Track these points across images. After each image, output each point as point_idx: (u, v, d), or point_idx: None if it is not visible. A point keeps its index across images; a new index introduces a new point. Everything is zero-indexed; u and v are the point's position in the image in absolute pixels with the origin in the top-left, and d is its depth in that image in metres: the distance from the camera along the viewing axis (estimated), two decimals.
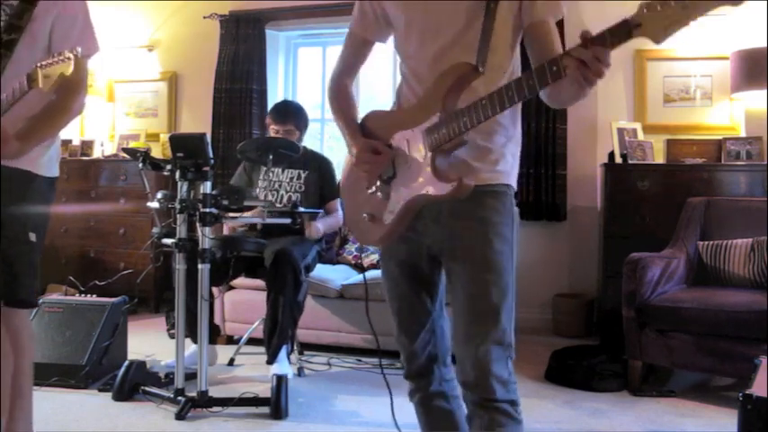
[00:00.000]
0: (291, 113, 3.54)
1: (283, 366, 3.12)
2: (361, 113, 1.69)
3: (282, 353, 3.14)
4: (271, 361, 3.12)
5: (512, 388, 1.49)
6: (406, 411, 1.77)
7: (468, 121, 1.36)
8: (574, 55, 1.16)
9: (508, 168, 1.54)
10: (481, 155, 1.50)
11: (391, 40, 1.67)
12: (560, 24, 2.01)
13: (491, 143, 1.51)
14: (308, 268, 3.34)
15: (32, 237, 1.90)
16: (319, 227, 3.40)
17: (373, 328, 1.79)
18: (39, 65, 1.63)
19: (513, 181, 1.56)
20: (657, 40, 1.07)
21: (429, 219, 1.55)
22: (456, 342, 1.54)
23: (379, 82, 4.90)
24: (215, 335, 3.48)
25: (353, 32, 1.70)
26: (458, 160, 1.48)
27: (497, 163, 1.52)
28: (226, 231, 3.69)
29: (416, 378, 1.67)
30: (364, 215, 1.60)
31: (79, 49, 1.62)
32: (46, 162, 1.96)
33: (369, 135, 1.61)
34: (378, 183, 1.56)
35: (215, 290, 3.56)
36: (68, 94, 1.86)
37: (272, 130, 3.53)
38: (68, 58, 1.60)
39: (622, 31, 1.11)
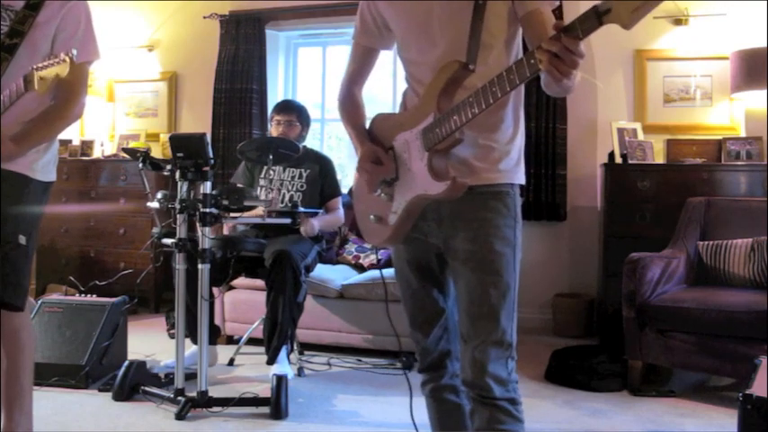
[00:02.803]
0: (295, 107, 3.62)
1: (283, 366, 3.12)
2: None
3: (282, 353, 3.14)
4: (271, 361, 3.12)
5: (511, 387, 1.49)
6: (408, 412, 1.77)
7: (458, 120, 1.35)
8: (545, 48, 1.14)
9: (512, 166, 1.53)
10: (483, 154, 1.50)
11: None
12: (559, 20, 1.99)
13: (493, 141, 1.51)
14: (308, 268, 3.33)
15: (22, 239, 1.89)
16: (315, 224, 3.39)
17: (396, 330, 1.81)
18: (34, 67, 1.64)
19: (517, 179, 1.55)
20: (626, 26, 1.03)
21: (432, 220, 1.56)
22: (460, 340, 1.56)
23: (379, 82, 4.90)
24: (215, 335, 3.47)
25: (356, 41, 1.70)
26: (459, 160, 1.48)
27: (500, 161, 1.51)
28: (226, 231, 3.69)
29: (429, 371, 1.70)
30: (371, 217, 1.61)
31: (74, 51, 1.64)
32: (42, 166, 1.95)
33: (374, 138, 1.62)
34: (381, 185, 1.57)
35: (215, 290, 3.56)
36: (67, 99, 1.87)
37: (275, 121, 3.56)
38: (63, 60, 1.62)
39: (592, 19, 1.07)
